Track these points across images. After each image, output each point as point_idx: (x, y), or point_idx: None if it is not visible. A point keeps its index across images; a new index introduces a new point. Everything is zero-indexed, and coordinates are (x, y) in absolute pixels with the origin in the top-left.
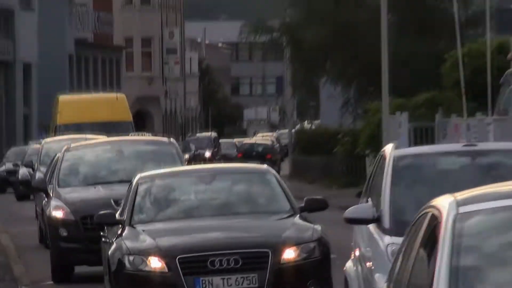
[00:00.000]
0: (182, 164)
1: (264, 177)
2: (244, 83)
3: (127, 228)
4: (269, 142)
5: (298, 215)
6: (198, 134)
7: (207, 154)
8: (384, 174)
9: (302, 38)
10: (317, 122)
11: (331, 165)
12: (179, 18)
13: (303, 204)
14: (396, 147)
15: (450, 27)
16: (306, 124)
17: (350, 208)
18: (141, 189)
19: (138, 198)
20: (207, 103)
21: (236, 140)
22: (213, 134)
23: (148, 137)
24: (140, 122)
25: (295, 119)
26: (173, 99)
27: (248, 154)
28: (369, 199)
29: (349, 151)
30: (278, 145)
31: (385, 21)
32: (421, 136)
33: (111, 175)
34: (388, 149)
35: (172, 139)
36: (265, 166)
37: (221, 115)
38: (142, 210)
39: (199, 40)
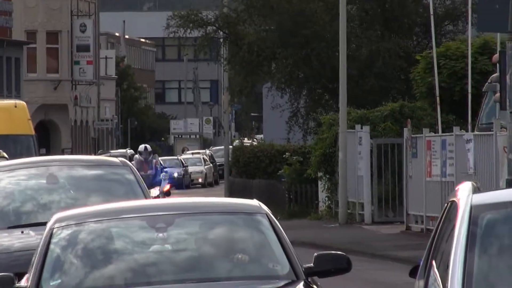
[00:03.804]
0: (145, 196)
1: (252, 219)
2: (172, 88)
3: None
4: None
5: (302, 283)
6: (112, 151)
7: None
8: (456, 234)
9: (242, 33)
10: (259, 137)
11: (276, 190)
12: (92, 7)
13: (312, 264)
14: (475, 189)
15: (424, 22)
16: (246, 140)
17: None
18: (58, 238)
19: (52, 254)
20: (126, 112)
21: (160, 159)
22: (129, 151)
23: (88, 156)
24: (44, 135)
25: (233, 133)
26: (85, 107)
27: None
28: (434, 276)
29: (298, 174)
30: (211, 165)
31: (344, 13)
32: (386, 154)
33: (43, 211)
34: (463, 192)
35: (124, 160)
36: (254, 202)
37: (143, 128)
38: (58, 273)
39: (117, 34)
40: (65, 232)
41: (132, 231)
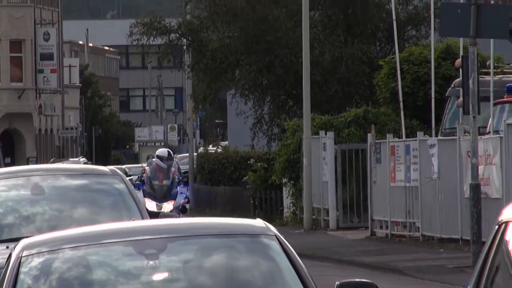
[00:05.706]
0: (139, 208)
1: (258, 243)
2: (136, 96)
3: None
4: None
5: None
6: (71, 159)
7: None
8: None
9: (206, 40)
10: (224, 144)
11: (240, 197)
12: (56, 16)
13: None
14: None
15: (387, 27)
16: (211, 147)
17: None
18: (28, 268)
19: (22, 286)
20: (91, 121)
21: (126, 167)
22: (82, 159)
23: (76, 165)
24: (8, 144)
25: (197, 140)
26: (49, 116)
27: None
28: None
29: (263, 180)
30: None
31: (306, 20)
32: (350, 160)
33: (27, 225)
34: None
35: (115, 169)
36: (259, 221)
37: (107, 136)
38: None
39: (80, 42)
40: (37, 261)
41: (117, 259)
